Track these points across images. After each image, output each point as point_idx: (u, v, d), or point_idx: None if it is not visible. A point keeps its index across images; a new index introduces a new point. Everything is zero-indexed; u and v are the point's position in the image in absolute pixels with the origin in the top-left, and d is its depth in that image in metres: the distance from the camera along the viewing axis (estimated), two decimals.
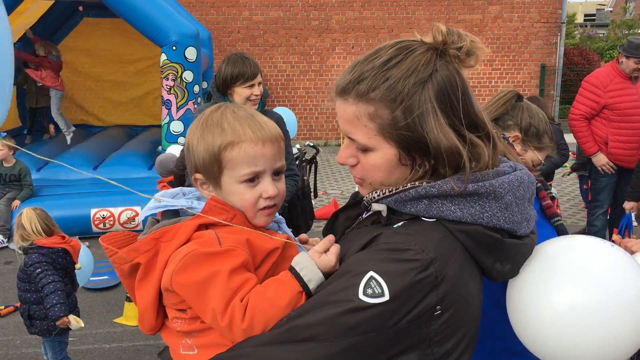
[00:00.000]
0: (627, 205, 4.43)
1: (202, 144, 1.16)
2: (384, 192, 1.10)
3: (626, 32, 30.54)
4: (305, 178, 4.33)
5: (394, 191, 1.08)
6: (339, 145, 12.28)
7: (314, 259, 1.09)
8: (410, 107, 1.03)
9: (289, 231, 1.31)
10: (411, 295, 0.97)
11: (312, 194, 4.85)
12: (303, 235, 1.29)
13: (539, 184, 1.79)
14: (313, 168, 5.06)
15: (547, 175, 5.19)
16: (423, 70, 1.04)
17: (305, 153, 5.25)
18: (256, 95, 3.07)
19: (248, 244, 1.12)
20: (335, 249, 1.12)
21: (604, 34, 33.09)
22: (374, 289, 0.96)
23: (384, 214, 1.11)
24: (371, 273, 0.98)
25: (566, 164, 6.45)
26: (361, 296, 0.96)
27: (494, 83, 12.89)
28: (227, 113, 1.18)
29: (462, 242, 1.05)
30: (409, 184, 1.08)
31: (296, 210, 4.08)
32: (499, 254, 1.08)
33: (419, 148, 1.06)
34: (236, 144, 1.15)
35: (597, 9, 55.85)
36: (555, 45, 12.81)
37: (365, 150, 1.09)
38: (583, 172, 5.86)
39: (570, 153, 5.70)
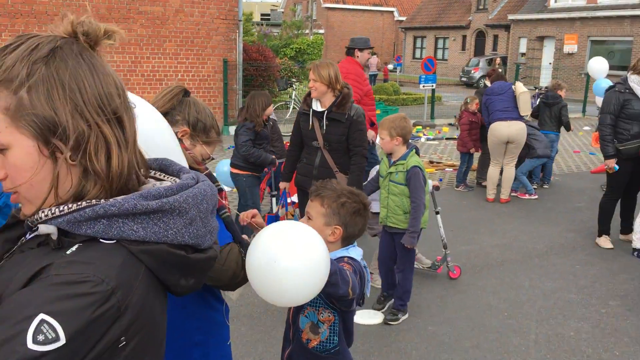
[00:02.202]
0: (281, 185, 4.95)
1: None
2: (53, 211, 0.98)
3: (296, 32, 33.93)
4: None
5: (65, 211, 0.97)
6: None
7: None
8: (34, 84, 0.94)
9: None
10: (91, 333, 0.89)
11: None
12: None
13: None
14: None
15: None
16: (43, 48, 0.97)
17: None
18: None
19: None
20: None
21: (277, 32, 36.11)
22: (46, 334, 0.84)
23: (54, 237, 0.98)
24: (42, 316, 0.85)
25: None
26: (31, 345, 0.83)
27: (181, 76, 13.05)
28: None
29: (146, 263, 0.99)
30: (84, 202, 0.98)
31: None
32: (184, 270, 1.06)
33: (52, 131, 0.96)
34: None
35: (272, 10, 60.65)
36: (235, 41, 13.54)
37: (3, 150, 0.96)
38: None
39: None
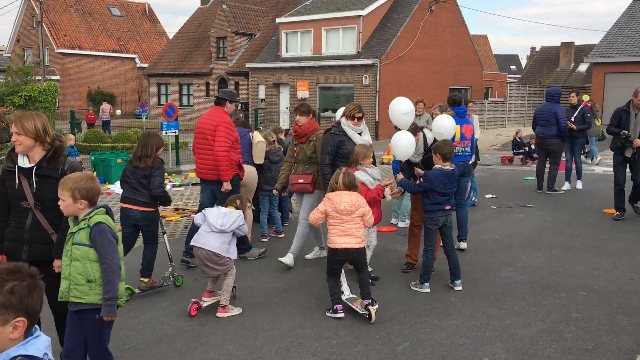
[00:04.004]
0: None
1: None
2: None
3: (25, 78, 31.05)
4: None
5: None
6: None
7: None
8: None
9: None
10: None
11: None
12: None
13: None
14: None
15: None
16: None
17: None
18: None
19: None
20: None
21: (3, 79, 32.63)
22: None
23: None
24: None
25: None
26: None
27: None
28: None
29: None
30: None
31: None
32: None
33: None
34: None
35: None
36: None
37: None
38: None
39: None
